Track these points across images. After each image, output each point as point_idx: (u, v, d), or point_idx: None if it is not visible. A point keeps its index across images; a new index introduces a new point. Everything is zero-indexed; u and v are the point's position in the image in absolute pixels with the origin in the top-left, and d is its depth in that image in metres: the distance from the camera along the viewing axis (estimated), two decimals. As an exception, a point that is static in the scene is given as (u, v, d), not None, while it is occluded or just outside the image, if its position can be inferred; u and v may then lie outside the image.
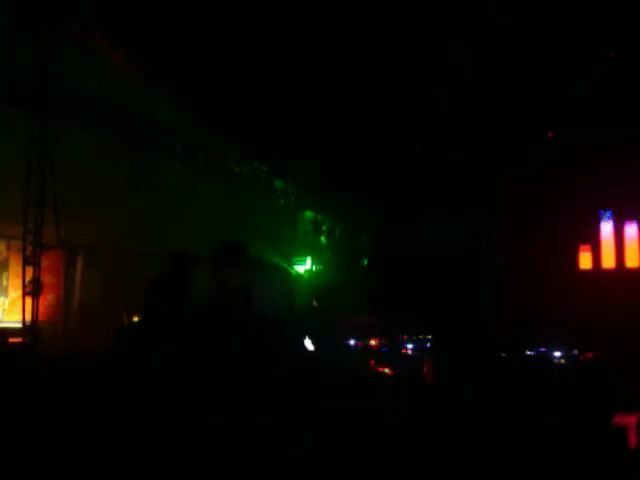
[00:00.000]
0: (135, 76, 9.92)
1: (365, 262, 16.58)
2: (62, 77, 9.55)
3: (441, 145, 12.04)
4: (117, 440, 3.52)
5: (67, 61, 9.38)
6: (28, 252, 9.70)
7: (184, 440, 3.51)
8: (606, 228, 14.36)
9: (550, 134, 12.14)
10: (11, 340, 9.54)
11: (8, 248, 12.72)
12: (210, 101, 10.66)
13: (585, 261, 14.44)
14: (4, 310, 12.60)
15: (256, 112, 10.98)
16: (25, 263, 9.78)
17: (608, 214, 14.22)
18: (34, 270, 9.75)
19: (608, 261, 14.27)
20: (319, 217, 16.31)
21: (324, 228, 16.56)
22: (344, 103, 10.93)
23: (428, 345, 10.85)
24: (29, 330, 9.51)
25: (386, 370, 8.35)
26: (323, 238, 16.48)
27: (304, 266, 15.79)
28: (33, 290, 9.75)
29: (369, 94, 10.57)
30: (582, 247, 14.42)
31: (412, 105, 11.01)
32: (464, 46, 9.18)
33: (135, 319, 9.37)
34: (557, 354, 9.94)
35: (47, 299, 11.66)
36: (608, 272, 14.14)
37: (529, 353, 10.08)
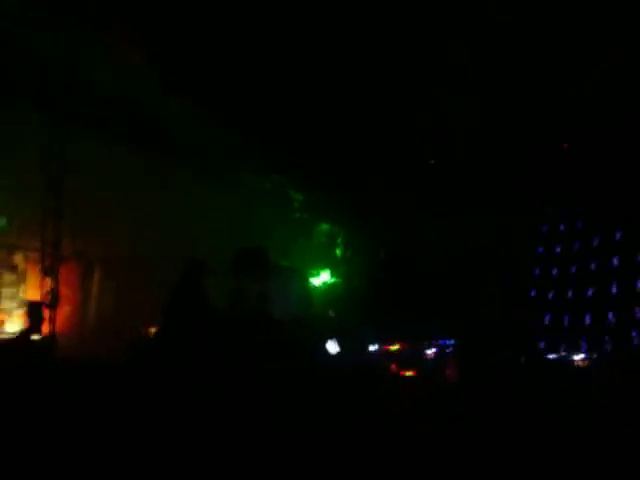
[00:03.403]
0: (154, 84, 9.86)
1: (381, 271, 16.45)
2: (80, 87, 9.59)
3: (458, 153, 11.96)
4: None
5: (85, 72, 9.40)
6: (46, 264, 9.74)
7: (197, 447, 3.49)
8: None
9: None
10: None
11: (26, 260, 12.79)
12: (229, 111, 10.66)
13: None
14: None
15: (275, 123, 10.99)
16: (43, 275, 9.82)
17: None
18: (52, 282, 9.78)
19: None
20: (335, 230, 16.25)
21: (339, 241, 16.48)
22: (364, 116, 10.92)
23: (448, 350, 10.90)
24: (47, 341, 9.54)
25: (408, 373, 8.47)
26: (338, 251, 16.41)
27: (318, 278, 15.71)
28: (51, 302, 9.79)
29: (390, 106, 10.57)
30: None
31: (428, 117, 10.99)
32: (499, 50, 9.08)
33: (152, 330, 9.38)
34: (577, 358, 10.07)
35: (63, 311, 11.68)
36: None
37: (550, 356, 10.18)
